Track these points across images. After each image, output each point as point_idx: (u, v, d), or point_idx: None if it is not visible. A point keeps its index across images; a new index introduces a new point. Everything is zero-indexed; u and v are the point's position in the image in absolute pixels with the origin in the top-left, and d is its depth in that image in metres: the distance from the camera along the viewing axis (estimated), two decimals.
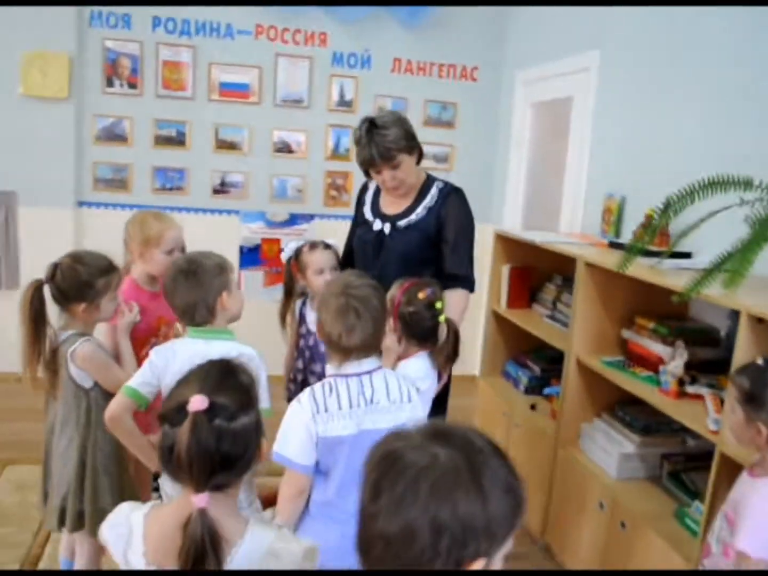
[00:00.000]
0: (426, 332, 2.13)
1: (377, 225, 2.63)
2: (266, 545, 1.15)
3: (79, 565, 2.15)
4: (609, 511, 2.46)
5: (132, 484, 2.10)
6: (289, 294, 2.60)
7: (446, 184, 2.68)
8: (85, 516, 2.01)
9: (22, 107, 4.14)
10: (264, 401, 1.79)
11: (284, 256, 2.57)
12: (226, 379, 1.20)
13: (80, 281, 1.98)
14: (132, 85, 4.31)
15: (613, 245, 3.04)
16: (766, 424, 1.58)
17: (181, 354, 1.82)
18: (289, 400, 2.58)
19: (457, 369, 4.48)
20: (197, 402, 1.11)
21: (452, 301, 2.54)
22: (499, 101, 4.76)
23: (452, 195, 2.64)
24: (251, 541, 1.15)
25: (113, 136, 4.35)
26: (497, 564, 0.84)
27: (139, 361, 2.39)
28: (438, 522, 0.78)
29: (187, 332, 1.94)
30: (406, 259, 2.56)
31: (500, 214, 4.75)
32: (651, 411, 2.43)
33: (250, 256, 4.61)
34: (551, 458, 2.86)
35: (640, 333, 2.66)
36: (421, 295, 2.12)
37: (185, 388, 1.17)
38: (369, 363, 1.75)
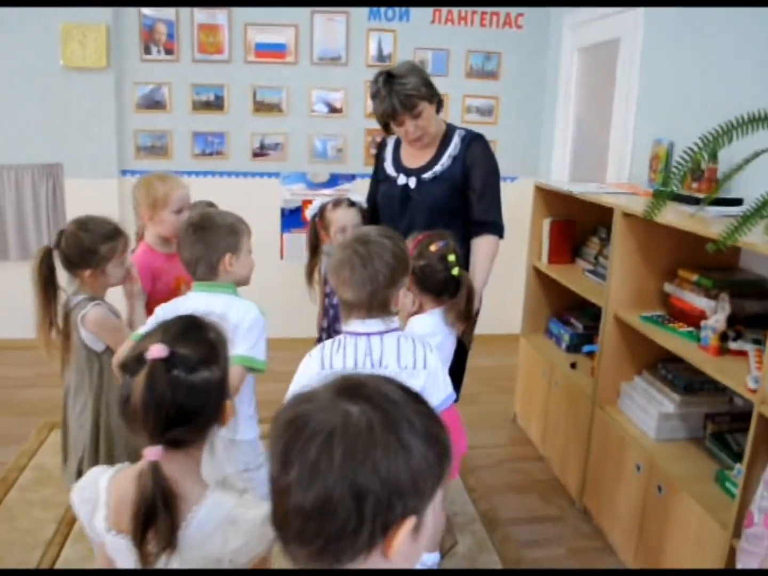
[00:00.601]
0: (439, 286, 2.04)
1: (401, 179, 2.55)
2: (225, 510, 1.11)
3: None
4: (646, 474, 2.33)
5: None
6: (314, 252, 2.56)
7: (467, 131, 2.59)
8: None
9: (63, 79, 4.17)
10: (259, 352, 1.82)
11: (309, 214, 2.52)
12: (190, 331, 1.17)
13: (83, 247, 1.97)
14: (169, 51, 4.28)
15: (658, 194, 2.84)
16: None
17: (183, 308, 1.75)
18: None
19: (499, 328, 4.42)
20: (156, 350, 1.07)
21: (481, 247, 2.48)
22: (545, 48, 4.51)
23: (475, 142, 2.54)
24: (210, 505, 1.11)
25: (152, 103, 4.35)
26: (429, 519, 0.76)
27: None
28: (358, 486, 0.70)
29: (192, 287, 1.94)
30: (434, 211, 2.48)
31: (548, 168, 4.55)
32: (696, 369, 2.28)
33: (292, 218, 4.57)
34: (589, 418, 2.73)
35: (682, 286, 2.49)
36: (432, 248, 2.05)
37: (148, 339, 1.14)
38: (375, 324, 1.66)
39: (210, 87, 4.36)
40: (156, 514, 1.04)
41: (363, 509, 0.70)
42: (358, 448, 0.71)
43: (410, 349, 1.68)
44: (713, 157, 1.92)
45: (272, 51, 4.35)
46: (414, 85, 2.38)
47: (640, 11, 3.31)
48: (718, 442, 2.32)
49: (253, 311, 1.84)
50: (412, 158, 2.57)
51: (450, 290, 2.06)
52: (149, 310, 2.34)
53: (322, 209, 2.50)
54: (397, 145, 2.66)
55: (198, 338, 1.16)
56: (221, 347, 1.18)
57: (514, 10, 4.45)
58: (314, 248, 2.56)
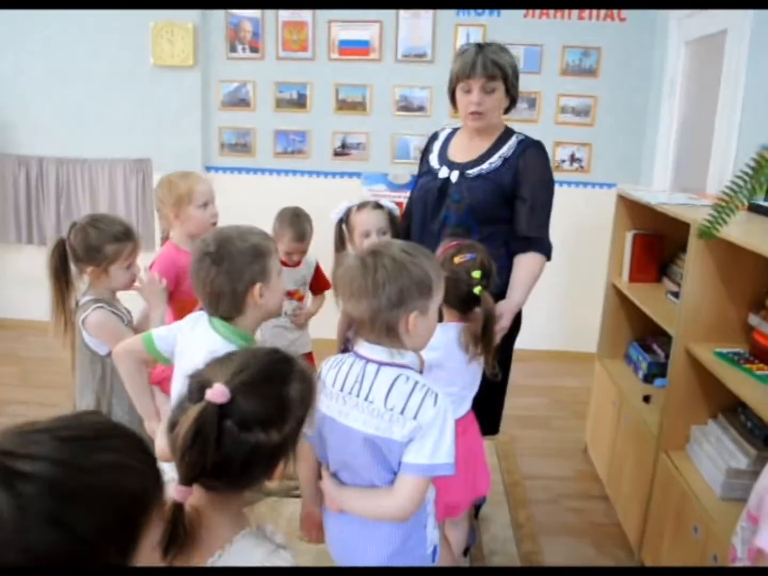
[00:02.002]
0: (458, 301, 1.83)
1: (443, 172, 2.32)
2: (249, 563, 0.99)
3: None
4: (702, 538, 1.97)
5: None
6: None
7: (526, 136, 2.32)
8: None
9: (153, 77, 4.26)
10: None
11: (334, 217, 2.35)
12: (264, 383, 1.02)
13: (89, 244, 1.93)
14: (254, 49, 4.25)
15: (755, 208, 2.44)
16: None
17: (197, 333, 1.61)
18: None
19: (580, 345, 4.05)
20: (217, 393, 0.96)
21: (525, 265, 2.23)
22: (651, 42, 4.07)
23: (532, 147, 2.28)
24: (235, 553, 1.00)
25: (237, 101, 4.34)
26: None
27: None
28: None
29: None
30: (472, 213, 2.24)
31: (650, 174, 4.12)
32: None
33: None
34: (653, 463, 2.38)
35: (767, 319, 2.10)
36: (457, 260, 1.84)
37: (219, 368, 1.03)
38: (379, 351, 1.42)
39: (293, 85, 4.29)
40: (169, 549, 0.96)
41: None
42: None
43: (405, 391, 1.40)
44: None
45: (356, 48, 4.21)
46: (504, 60, 2.20)
47: None
48: None
49: None
50: (461, 152, 2.34)
51: (471, 308, 1.83)
52: (173, 310, 2.28)
53: (347, 212, 2.33)
54: (449, 137, 2.43)
55: (269, 394, 1.01)
56: (297, 406, 1.04)
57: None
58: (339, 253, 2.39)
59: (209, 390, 0.97)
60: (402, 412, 1.38)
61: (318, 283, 2.93)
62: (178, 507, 0.97)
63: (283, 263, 2.82)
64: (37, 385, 3.73)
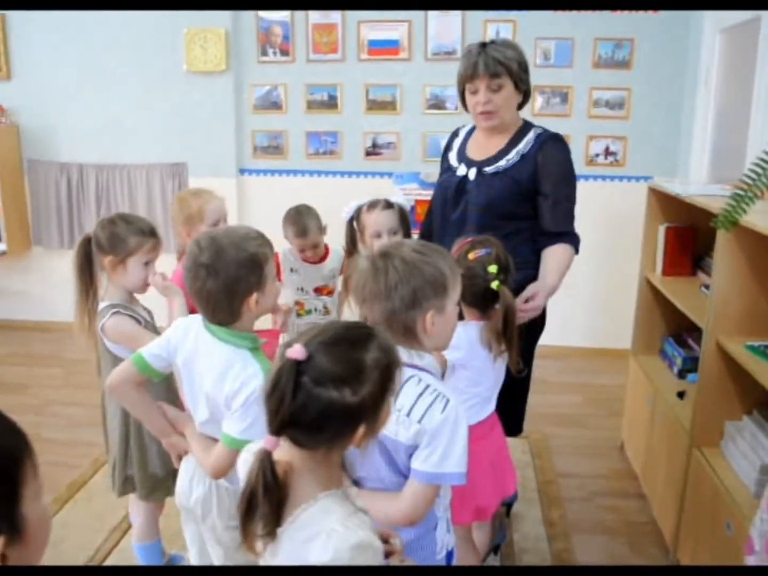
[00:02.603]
0: (476, 299, 1.82)
1: (461, 170, 2.30)
2: (327, 521, 1.06)
3: (137, 524, 2.19)
4: (735, 536, 1.94)
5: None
6: (351, 258, 2.39)
7: (545, 130, 2.29)
8: (131, 481, 2.02)
9: (187, 82, 4.35)
10: (256, 433, 1.44)
11: (345, 216, 2.36)
12: (342, 345, 1.09)
13: (114, 233, 1.97)
14: (284, 53, 4.31)
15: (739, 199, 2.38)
16: None
17: (191, 337, 1.62)
18: None
19: (615, 342, 3.99)
20: (295, 350, 1.05)
21: (554, 253, 2.21)
22: (685, 31, 4.00)
23: (551, 141, 2.25)
24: (316, 510, 1.07)
25: (269, 104, 4.41)
26: None
27: None
28: None
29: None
30: (490, 210, 2.22)
31: (686, 166, 4.04)
32: None
33: None
34: (686, 459, 2.34)
35: None
36: (471, 256, 1.84)
37: (304, 334, 1.12)
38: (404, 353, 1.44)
39: (324, 87, 4.34)
40: (255, 502, 1.06)
41: None
42: None
43: (415, 393, 1.38)
44: None
45: (385, 48, 4.24)
46: (507, 56, 2.17)
47: None
48: None
49: (257, 379, 1.50)
50: (479, 149, 2.32)
51: (491, 305, 1.82)
52: None
53: (358, 211, 2.33)
54: (469, 134, 2.42)
55: (347, 356, 1.08)
56: (373, 372, 1.08)
57: None
58: (350, 254, 2.40)
59: (289, 349, 1.05)
60: (408, 414, 1.36)
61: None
62: (266, 455, 1.06)
63: (307, 261, 2.85)
64: (79, 385, 3.85)
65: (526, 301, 2.08)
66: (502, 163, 2.23)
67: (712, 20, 3.68)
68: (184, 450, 1.70)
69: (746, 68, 3.24)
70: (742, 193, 1.60)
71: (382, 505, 1.44)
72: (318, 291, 2.86)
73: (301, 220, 2.78)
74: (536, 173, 2.20)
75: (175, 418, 1.71)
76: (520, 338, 1.88)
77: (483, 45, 2.19)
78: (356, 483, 1.55)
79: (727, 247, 2.13)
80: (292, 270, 2.87)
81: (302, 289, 2.88)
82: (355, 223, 2.36)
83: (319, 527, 1.06)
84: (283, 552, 1.09)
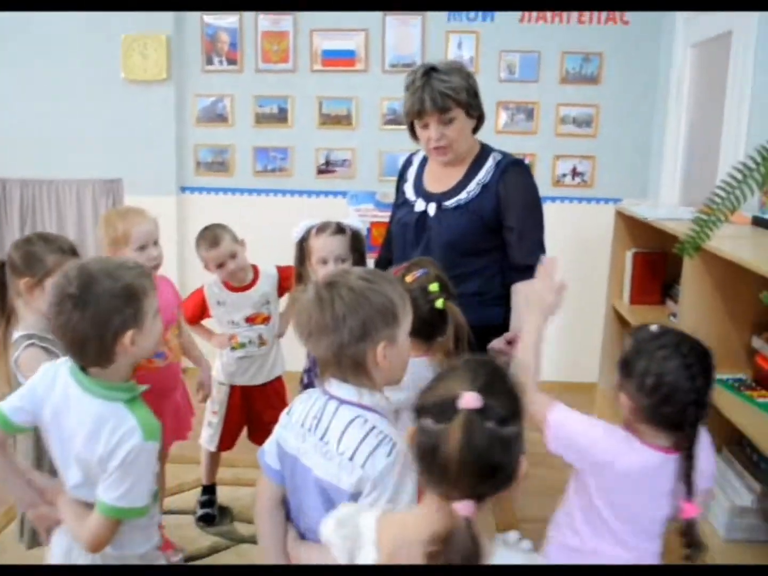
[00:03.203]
0: (423, 324, 1.79)
1: (419, 205, 2.31)
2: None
3: None
4: None
5: None
6: (300, 281, 2.37)
7: (505, 155, 2.31)
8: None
9: (124, 92, 4.30)
10: (136, 498, 1.47)
11: (295, 236, 2.34)
12: (498, 381, 1.14)
13: (31, 252, 1.92)
14: (231, 61, 4.30)
15: (759, 222, 2.44)
16: (630, 396, 1.49)
17: (60, 386, 1.53)
18: None
19: (576, 375, 4.02)
20: (471, 399, 1.05)
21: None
22: (656, 46, 4.09)
23: (512, 169, 2.26)
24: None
25: (214, 116, 4.38)
26: None
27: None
28: None
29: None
30: (453, 247, 2.22)
31: (657, 187, 4.12)
32: None
33: None
34: None
35: None
36: (409, 279, 1.81)
37: (451, 381, 1.13)
38: (346, 390, 1.41)
39: (274, 99, 4.34)
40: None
41: None
42: None
43: (358, 437, 1.36)
44: None
45: (340, 58, 4.26)
46: (454, 86, 2.16)
47: None
48: None
49: (134, 437, 1.43)
50: (436, 181, 2.32)
51: (439, 328, 1.81)
52: None
53: (307, 232, 2.32)
54: (423, 163, 2.42)
55: (505, 389, 1.13)
56: (523, 399, 1.15)
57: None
58: (299, 277, 2.37)
59: (462, 400, 1.05)
60: (351, 459, 1.35)
61: (287, 283, 2.78)
62: (470, 523, 1.04)
63: (233, 289, 2.79)
64: None
65: (508, 343, 2.07)
66: (462, 196, 2.24)
67: (683, 34, 3.78)
68: (56, 521, 1.59)
69: (718, 84, 3.33)
70: (705, 217, 1.61)
71: (329, 561, 1.41)
72: (250, 320, 2.78)
73: (211, 231, 2.72)
74: (499, 205, 2.21)
75: (44, 487, 1.61)
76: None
77: (426, 73, 2.18)
78: (301, 536, 1.52)
79: (695, 275, 2.17)
80: (219, 303, 2.78)
81: (233, 322, 2.79)
82: (304, 244, 2.35)
83: None
84: None
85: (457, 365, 1.18)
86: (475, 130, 2.32)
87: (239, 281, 2.77)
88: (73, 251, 1.99)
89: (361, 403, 1.40)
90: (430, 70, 2.19)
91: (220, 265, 2.70)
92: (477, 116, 2.28)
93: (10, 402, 1.54)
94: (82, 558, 1.55)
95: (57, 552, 1.60)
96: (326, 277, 1.50)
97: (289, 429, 1.49)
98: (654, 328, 1.56)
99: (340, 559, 1.22)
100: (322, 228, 2.29)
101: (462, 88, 2.18)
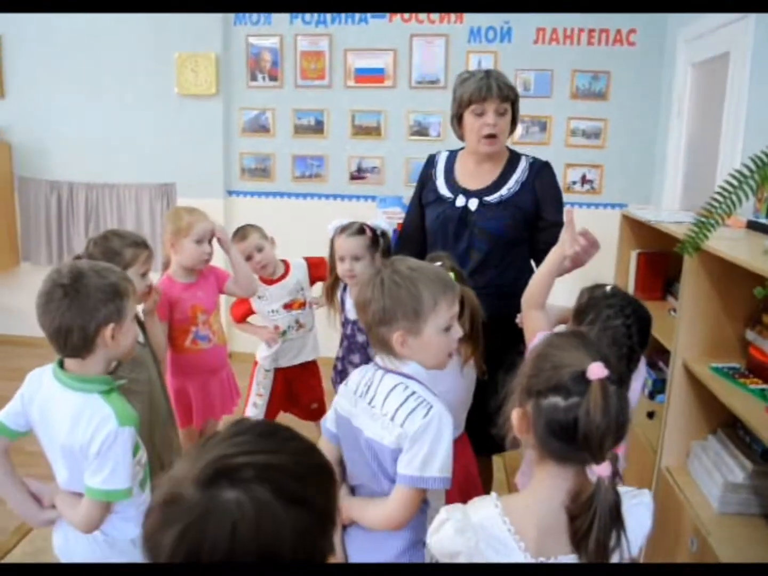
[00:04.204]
0: None
1: (460, 201, 2.29)
2: None
3: None
4: (699, 552, 1.96)
5: None
6: (332, 273, 2.40)
7: (534, 158, 2.34)
8: None
9: (177, 105, 4.40)
10: (119, 479, 1.48)
11: (329, 233, 2.38)
12: (603, 348, 1.16)
13: (109, 248, 1.98)
14: (273, 78, 4.37)
15: (753, 226, 2.44)
16: None
17: (45, 387, 1.56)
18: (334, 383, 2.43)
19: None
20: (599, 369, 1.06)
21: None
22: (659, 65, 4.09)
23: (545, 169, 2.32)
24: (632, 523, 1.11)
25: (257, 127, 4.46)
26: None
27: (176, 348, 2.40)
28: None
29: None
30: (498, 238, 2.25)
31: (660, 194, 4.12)
32: None
33: None
34: (653, 479, 2.37)
35: (763, 335, 2.09)
36: None
37: (566, 357, 1.11)
38: (384, 360, 1.49)
39: (311, 112, 4.40)
40: (611, 530, 1.06)
41: None
42: None
43: (400, 399, 1.43)
44: (765, 182, 1.59)
45: (371, 75, 4.31)
46: (512, 85, 2.25)
47: (751, 21, 2.89)
48: None
49: (109, 423, 1.46)
50: (471, 178, 2.32)
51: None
52: (168, 339, 2.40)
53: (335, 231, 2.36)
54: (450, 162, 2.42)
55: (611, 355, 1.14)
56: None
57: (625, 27, 4.09)
58: (332, 269, 2.41)
59: (591, 371, 1.05)
60: (392, 419, 1.41)
61: (318, 271, 2.86)
62: (611, 481, 1.06)
63: (269, 282, 2.83)
64: None
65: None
66: (503, 191, 2.26)
67: (684, 55, 3.77)
68: (58, 517, 1.61)
69: (716, 101, 3.32)
70: (704, 219, 1.64)
71: (371, 511, 1.48)
72: (287, 307, 2.85)
73: (242, 228, 2.83)
74: (537, 200, 2.25)
75: (40, 494, 1.61)
76: (484, 340, 1.90)
77: (487, 71, 2.24)
78: (353, 491, 1.57)
79: (693, 272, 2.18)
80: (259, 297, 2.84)
81: (273, 311, 2.86)
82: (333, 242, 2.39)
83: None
84: None
85: (553, 342, 1.18)
86: (509, 133, 2.33)
87: (269, 274, 2.83)
88: (145, 244, 2.06)
89: (402, 372, 1.47)
90: (487, 70, 2.26)
91: (248, 257, 2.75)
92: (514, 124, 2.31)
93: (5, 411, 1.58)
94: (79, 543, 1.58)
95: (57, 542, 1.65)
96: (383, 262, 1.58)
97: (344, 396, 1.56)
98: (608, 288, 1.67)
99: (470, 559, 1.15)
100: (345, 228, 2.33)
101: (514, 91, 2.25)
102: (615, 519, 1.06)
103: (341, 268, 2.26)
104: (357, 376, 1.56)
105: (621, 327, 1.57)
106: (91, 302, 1.44)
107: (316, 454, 0.83)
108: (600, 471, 1.05)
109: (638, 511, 1.17)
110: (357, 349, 2.29)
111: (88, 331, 1.45)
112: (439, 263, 1.86)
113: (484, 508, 1.15)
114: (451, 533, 1.14)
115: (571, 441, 1.06)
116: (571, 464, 1.09)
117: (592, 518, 1.05)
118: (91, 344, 1.47)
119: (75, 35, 4.37)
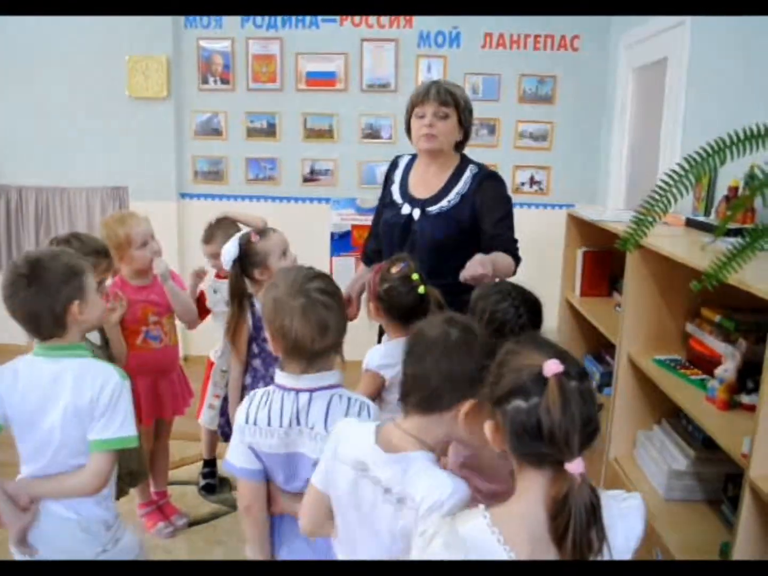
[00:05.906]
0: (406, 309, 1.84)
1: (405, 209, 2.33)
2: None
3: None
4: (646, 537, 1.99)
5: None
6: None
7: (480, 168, 2.34)
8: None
9: (129, 108, 4.29)
10: (128, 428, 1.55)
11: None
12: (557, 346, 1.11)
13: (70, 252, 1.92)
14: (225, 81, 4.31)
15: (692, 223, 2.50)
16: None
17: (24, 375, 1.57)
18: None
19: None
20: (554, 365, 1.01)
21: (498, 257, 2.08)
22: (603, 70, 4.17)
23: (487, 181, 2.30)
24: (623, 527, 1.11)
25: (209, 130, 4.39)
26: None
27: (127, 346, 2.35)
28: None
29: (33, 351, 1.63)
30: (437, 248, 2.25)
31: (605, 194, 4.20)
32: None
33: (341, 242, 4.46)
34: (601, 469, 2.41)
35: (702, 327, 2.15)
36: (394, 270, 1.87)
37: (520, 360, 1.07)
38: (297, 379, 1.46)
39: (263, 115, 4.35)
40: (589, 529, 1.01)
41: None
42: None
43: (342, 410, 1.44)
44: (698, 180, 1.63)
45: (322, 79, 4.28)
46: (457, 93, 2.27)
47: (687, 27, 2.96)
48: (735, 508, 1.96)
49: (114, 376, 1.55)
50: (420, 186, 2.34)
51: (419, 312, 1.85)
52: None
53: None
54: (408, 167, 2.43)
55: (567, 352, 1.10)
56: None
57: (569, 32, 4.16)
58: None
59: (546, 368, 1.01)
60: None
61: None
62: (585, 477, 1.01)
63: (223, 278, 2.75)
64: None
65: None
66: (443, 203, 2.27)
67: (625, 60, 3.86)
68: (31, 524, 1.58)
69: (656, 103, 3.41)
70: (642, 216, 1.68)
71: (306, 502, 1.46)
72: None
73: (210, 229, 2.82)
74: (474, 213, 2.25)
75: (15, 491, 1.58)
76: None
77: (436, 81, 2.31)
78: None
79: (636, 269, 2.22)
80: (215, 291, 2.78)
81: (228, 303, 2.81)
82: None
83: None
84: None
85: (510, 348, 1.12)
86: (458, 146, 2.35)
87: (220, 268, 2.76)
88: (106, 253, 2.04)
89: (328, 385, 1.48)
90: (438, 80, 2.34)
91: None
92: (464, 131, 2.32)
93: None
94: (50, 525, 1.57)
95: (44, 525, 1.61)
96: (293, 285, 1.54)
97: (260, 434, 1.47)
98: (495, 281, 1.83)
99: None
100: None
101: (462, 98, 2.28)
102: (592, 518, 1.01)
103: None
104: (268, 410, 1.48)
105: (509, 308, 1.65)
106: (53, 286, 1.51)
107: None
108: (571, 468, 1.00)
109: (629, 514, 1.17)
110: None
111: (56, 312, 1.51)
112: (404, 263, 1.87)
113: (472, 520, 1.09)
114: (441, 548, 1.09)
115: (540, 442, 1.02)
116: (548, 466, 1.04)
117: (567, 518, 1.01)
118: (62, 322, 1.53)
119: (24, 37, 4.23)
